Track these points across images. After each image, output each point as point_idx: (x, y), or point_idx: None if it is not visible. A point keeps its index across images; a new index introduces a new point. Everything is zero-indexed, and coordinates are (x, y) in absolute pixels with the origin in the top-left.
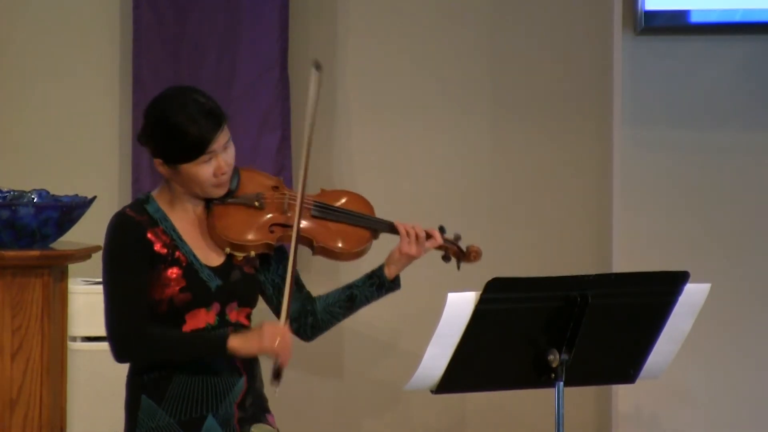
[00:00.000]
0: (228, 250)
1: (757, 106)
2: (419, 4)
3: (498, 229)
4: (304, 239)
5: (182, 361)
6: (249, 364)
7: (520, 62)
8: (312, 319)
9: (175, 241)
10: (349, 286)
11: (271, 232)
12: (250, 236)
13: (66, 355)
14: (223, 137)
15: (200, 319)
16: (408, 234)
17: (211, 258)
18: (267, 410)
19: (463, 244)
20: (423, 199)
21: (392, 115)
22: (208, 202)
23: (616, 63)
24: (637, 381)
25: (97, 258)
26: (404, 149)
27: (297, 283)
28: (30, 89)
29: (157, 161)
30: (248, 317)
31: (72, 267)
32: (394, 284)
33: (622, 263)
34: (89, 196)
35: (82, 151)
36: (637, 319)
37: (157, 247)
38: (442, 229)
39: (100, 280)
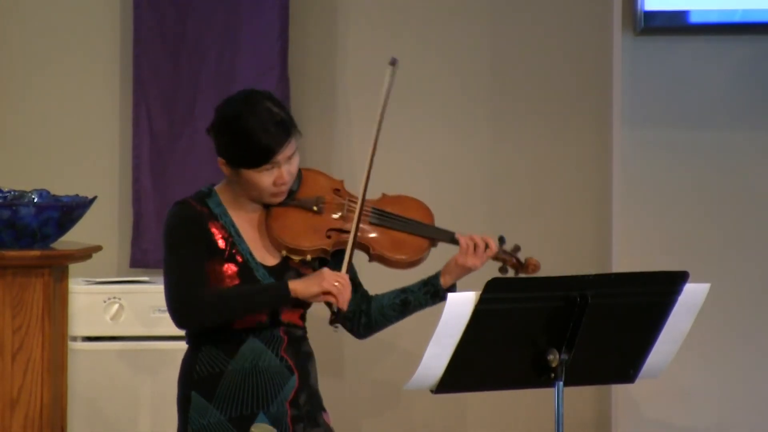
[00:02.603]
0: (284, 252)
1: (757, 106)
2: (419, 4)
3: (498, 229)
4: (361, 245)
5: (245, 314)
6: (301, 363)
7: (520, 62)
8: (365, 319)
9: (233, 238)
10: (404, 291)
11: (328, 237)
12: (307, 241)
13: (66, 355)
14: (290, 149)
15: (252, 316)
16: (467, 246)
17: (268, 257)
18: (322, 408)
19: (522, 256)
20: (423, 198)
21: (392, 114)
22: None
23: (616, 63)
24: (637, 381)
25: (97, 258)
26: (404, 149)
27: (354, 283)
28: (30, 89)
29: (221, 160)
30: (302, 317)
31: (72, 267)
32: (448, 293)
33: (622, 263)
34: (89, 196)
35: (82, 151)
36: (637, 319)
37: (217, 239)
38: (501, 240)
39: (100, 280)
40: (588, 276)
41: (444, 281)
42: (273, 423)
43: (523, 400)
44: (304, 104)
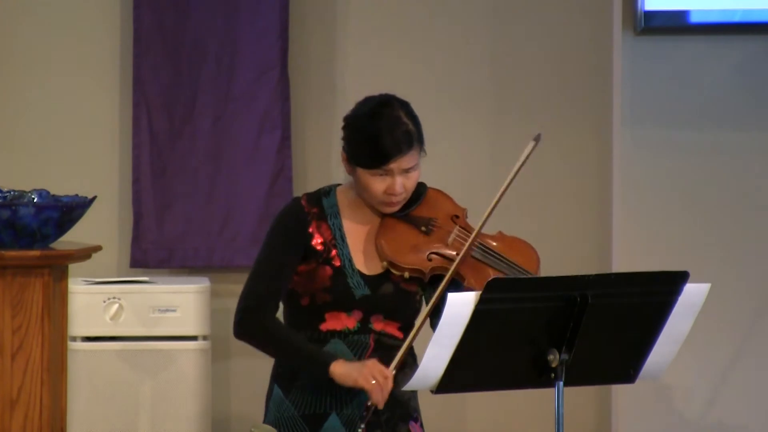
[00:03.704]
0: (385, 264)
1: (757, 106)
2: (419, 5)
3: (498, 229)
4: (457, 274)
5: (285, 362)
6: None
7: (520, 62)
8: None
9: (335, 240)
10: None
11: (429, 260)
12: (407, 258)
13: (66, 355)
14: (408, 161)
15: (340, 321)
16: None
17: (370, 266)
18: (410, 418)
19: None
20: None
21: None
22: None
23: (616, 63)
24: (637, 381)
25: (97, 258)
26: None
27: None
28: (30, 89)
29: (343, 154)
30: (402, 329)
31: (72, 267)
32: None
33: (622, 263)
34: (89, 196)
35: (82, 151)
36: (637, 319)
37: (315, 241)
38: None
39: (100, 280)
40: (588, 276)
41: None
42: (345, 425)
43: (523, 400)
44: (304, 104)
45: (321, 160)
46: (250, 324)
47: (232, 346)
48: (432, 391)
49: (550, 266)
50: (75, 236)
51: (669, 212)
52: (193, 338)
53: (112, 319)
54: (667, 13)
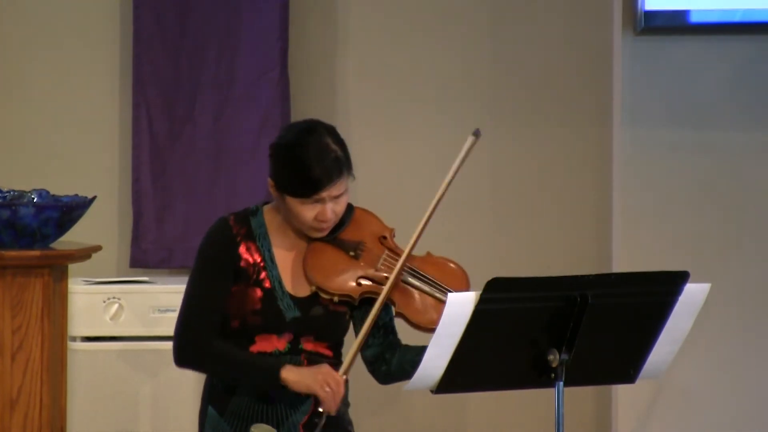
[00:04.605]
0: (313, 288)
1: (757, 106)
2: (419, 5)
3: (498, 229)
4: (388, 299)
5: (236, 382)
6: None
7: (520, 62)
8: (386, 368)
9: (265, 262)
10: (426, 348)
11: (358, 285)
12: (335, 284)
13: (66, 355)
14: (338, 188)
15: (270, 343)
16: None
17: (299, 288)
18: None
19: None
20: (423, 199)
21: (392, 114)
22: None
23: (616, 63)
24: (637, 381)
25: (97, 258)
26: (405, 149)
27: (385, 329)
28: (30, 89)
29: (270, 182)
30: (331, 347)
31: (72, 267)
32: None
33: (622, 263)
34: (89, 196)
35: (82, 151)
36: (637, 320)
37: (244, 263)
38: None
39: (100, 280)
40: (588, 276)
41: None
42: None
43: (523, 400)
44: (304, 104)
45: None
46: (191, 355)
47: None
48: (432, 391)
49: (551, 266)
50: (75, 236)
51: (669, 212)
52: None
53: (112, 319)
54: (667, 13)
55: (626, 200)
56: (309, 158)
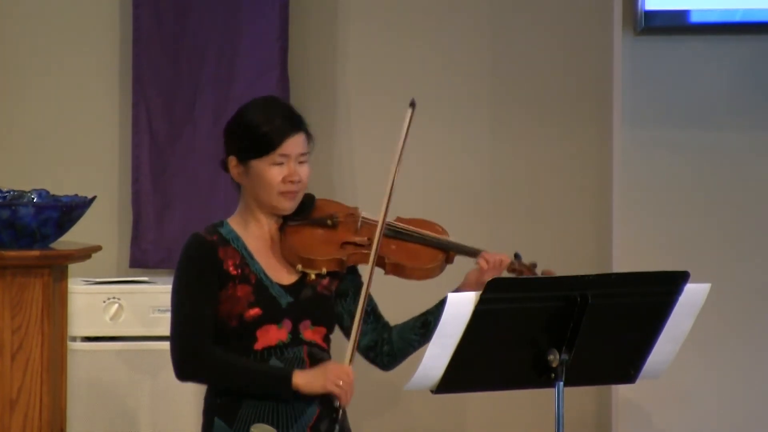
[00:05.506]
0: (300, 267)
1: (757, 106)
2: (419, 4)
3: (498, 229)
4: (378, 257)
5: (242, 390)
6: None
7: (520, 62)
8: (388, 347)
9: (245, 259)
10: (423, 314)
11: (343, 248)
12: (321, 252)
13: (66, 355)
14: (299, 146)
15: (272, 336)
16: (487, 261)
17: (283, 276)
18: None
19: (538, 270)
20: (423, 199)
21: (392, 114)
22: (283, 223)
23: (616, 63)
24: (637, 381)
25: (97, 258)
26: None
27: (374, 314)
28: (30, 89)
29: (232, 162)
30: (325, 340)
31: (72, 267)
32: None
33: (622, 263)
34: (89, 196)
35: (82, 151)
36: (637, 319)
37: (227, 266)
38: (517, 256)
39: (100, 280)
40: (588, 276)
41: None
42: None
43: (523, 400)
44: (304, 104)
45: (320, 161)
46: (197, 368)
47: None
48: (432, 391)
49: (551, 266)
50: (75, 236)
51: (669, 212)
52: None
53: (112, 319)
54: (667, 13)
55: (626, 200)
56: (260, 117)
